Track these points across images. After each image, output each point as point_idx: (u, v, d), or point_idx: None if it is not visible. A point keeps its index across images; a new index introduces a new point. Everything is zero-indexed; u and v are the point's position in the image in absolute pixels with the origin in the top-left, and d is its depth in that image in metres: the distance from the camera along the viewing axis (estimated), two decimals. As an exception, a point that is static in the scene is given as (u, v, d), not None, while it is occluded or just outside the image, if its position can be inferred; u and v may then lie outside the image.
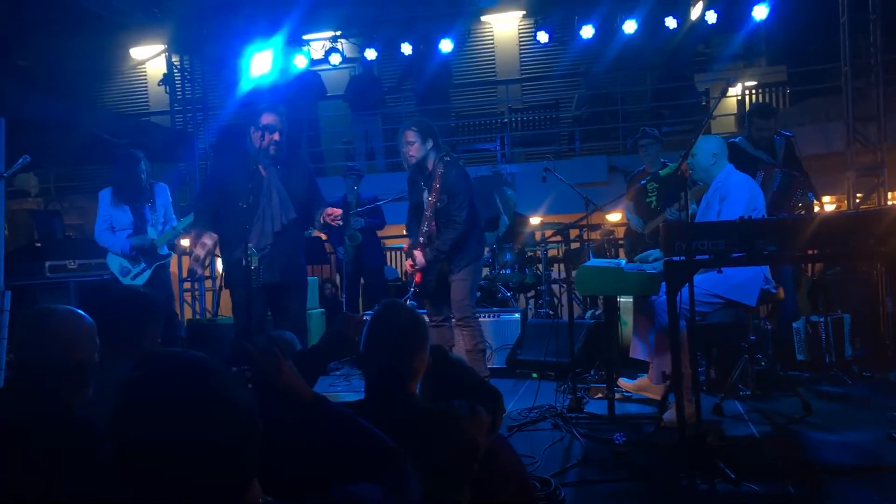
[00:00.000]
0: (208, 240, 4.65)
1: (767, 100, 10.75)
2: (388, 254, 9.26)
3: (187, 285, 9.28)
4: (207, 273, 9.31)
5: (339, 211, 4.64)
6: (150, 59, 13.44)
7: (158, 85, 11.15)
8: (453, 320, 5.20)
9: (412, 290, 5.18)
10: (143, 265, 5.81)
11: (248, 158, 4.67)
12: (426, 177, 4.99)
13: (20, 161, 5.36)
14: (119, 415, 1.22)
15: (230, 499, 1.23)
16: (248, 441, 1.23)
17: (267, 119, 4.62)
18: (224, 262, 5.00)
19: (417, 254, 4.99)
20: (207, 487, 1.18)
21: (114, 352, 2.42)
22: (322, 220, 4.69)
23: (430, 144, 4.91)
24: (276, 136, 4.61)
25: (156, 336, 2.75)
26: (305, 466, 1.75)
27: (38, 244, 6.86)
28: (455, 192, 4.87)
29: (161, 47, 11.97)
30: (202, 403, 1.21)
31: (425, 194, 4.98)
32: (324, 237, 8.03)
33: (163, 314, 2.82)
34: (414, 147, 4.90)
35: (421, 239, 4.97)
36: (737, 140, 5.87)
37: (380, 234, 8.18)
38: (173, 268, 6.38)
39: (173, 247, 6.04)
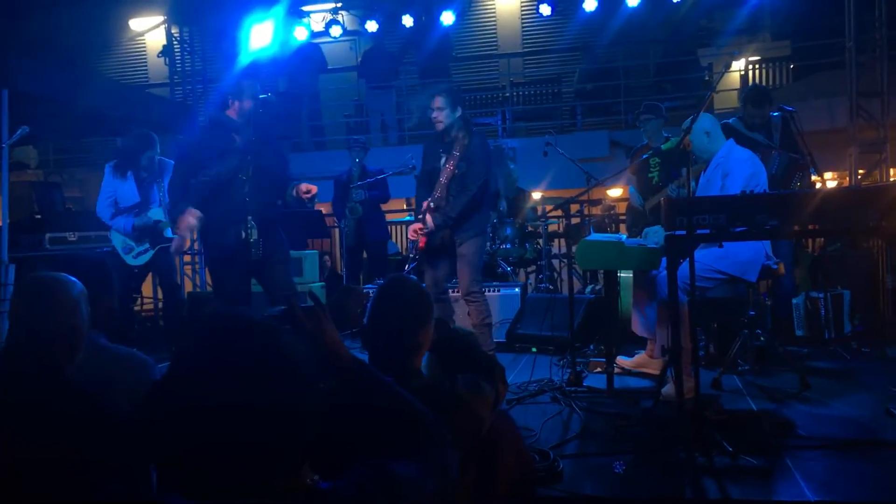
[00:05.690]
0: (193, 218, 4.30)
1: (771, 75, 10.67)
2: (391, 228, 9.20)
3: (188, 258, 9.27)
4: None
5: (314, 188, 4.52)
6: (149, 30, 13.32)
7: (158, 57, 11.08)
8: (453, 294, 5.19)
9: (412, 255, 5.14)
10: (146, 245, 5.79)
11: (226, 129, 4.48)
12: (447, 144, 4.95)
13: (19, 131, 5.37)
14: (177, 375, 1.19)
15: (285, 471, 1.19)
16: (308, 407, 1.22)
17: (250, 87, 4.48)
18: (213, 239, 4.51)
19: (428, 217, 4.96)
20: (264, 454, 1.15)
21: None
22: (295, 194, 4.56)
23: (458, 112, 4.91)
24: (249, 104, 4.46)
25: (112, 300, 2.66)
26: (344, 435, 1.68)
27: (38, 216, 6.85)
28: (474, 161, 4.86)
29: (160, 18, 11.88)
30: (267, 364, 1.19)
31: (443, 161, 4.95)
32: (324, 210, 7.99)
33: (115, 278, 2.72)
34: (443, 113, 4.89)
35: (431, 204, 4.95)
36: (730, 121, 5.79)
37: (384, 207, 8.15)
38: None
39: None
